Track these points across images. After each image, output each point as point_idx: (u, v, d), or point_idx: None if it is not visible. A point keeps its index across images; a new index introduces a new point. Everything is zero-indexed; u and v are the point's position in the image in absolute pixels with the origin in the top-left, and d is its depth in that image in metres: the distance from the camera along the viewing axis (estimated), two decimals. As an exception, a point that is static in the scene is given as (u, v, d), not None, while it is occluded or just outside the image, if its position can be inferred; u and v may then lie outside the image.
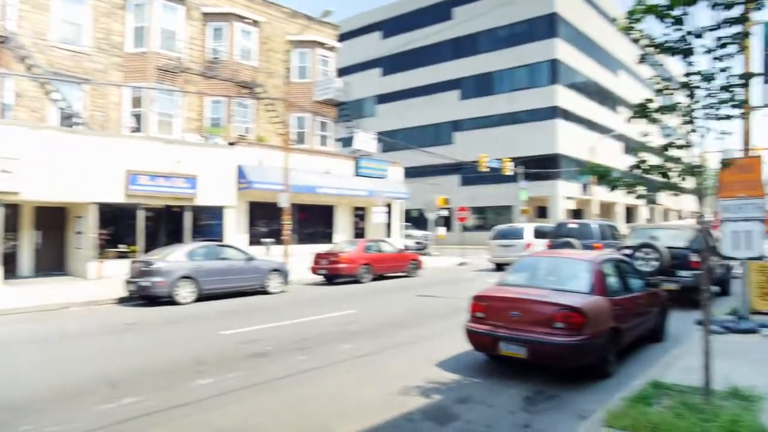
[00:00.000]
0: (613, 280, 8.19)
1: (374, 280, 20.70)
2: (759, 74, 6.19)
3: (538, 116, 48.23)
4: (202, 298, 15.31)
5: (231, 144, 24.18)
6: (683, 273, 13.07)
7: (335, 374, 7.97)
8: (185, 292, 14.91)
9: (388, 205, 30.27)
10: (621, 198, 51.81)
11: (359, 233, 29.62)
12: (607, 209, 54.79)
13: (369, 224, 29.79)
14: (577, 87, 51.02)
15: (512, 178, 44.83)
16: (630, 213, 61.38)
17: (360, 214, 29.99)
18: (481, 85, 51.67)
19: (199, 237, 22.02)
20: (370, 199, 27.97)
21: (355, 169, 29.15)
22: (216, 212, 23.39)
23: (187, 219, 22.08)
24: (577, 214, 50.00)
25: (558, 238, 21.56)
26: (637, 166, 6.00)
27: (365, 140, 30.16)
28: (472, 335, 7.87)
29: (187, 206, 22.08)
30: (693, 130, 5.65)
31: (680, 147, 5.80)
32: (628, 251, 13.50)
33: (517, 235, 25.11)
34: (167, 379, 7.67)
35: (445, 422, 6.05)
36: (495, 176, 44.80)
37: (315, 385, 7.44)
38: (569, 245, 20.15)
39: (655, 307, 9.39)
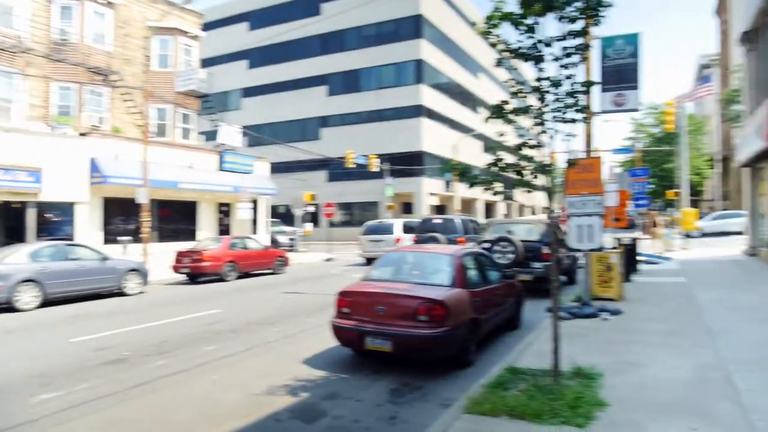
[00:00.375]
0: (473, 273, 8.61)
1: (240, 278, 20.19)
2: (597, 83, 6.76)
3: (403, 114, 49.55)
4: (48, 303, 14.06)
5: (82, 135, 22.39)
6: (536, 264, 14.06)
7: (198, 377, 7.66)
8: (27, 297, 13.62)
9: (254, 201, 29.64)
10: (481, 194, 54.74)
11: (224, 230, 28.73)
12: (468, 205, 57.60)
13: (234, 221, 28.99)
14: (440, 87, 53.05)
15: (378, 175, 45.76)
16: (489, 208, 64.99)
17: (225, 211, 29.09)
18: (348, 82, 52.11)
19: (45, 236, 20.20)
20: (235, 194, 27.21)
21: (220, 163, 28.21)
22: (66, 209, 21.56)
23: (31, 216, 20.15)
24: (440, 209, 52.08)
25: (424, 233, 22.29)
26: (494, 164, 6.34)
27: (230, 134, 29.28)
28: (339, 331, 7.91)
29: (31, 202, 20.15)
30: (543, 131, 6.07)
31: (532, 147, 6.21)
32: (486, 245, 14.29)
33: (386, 230, 25.69)
34: (2, 398, 6.94)
35: (313, 420, 6.03)
36: (362, 172, 45.45)
37: (176, 391, 7.10)
38: (434, 240, 20.90)
39: (511, 297, 10.01)
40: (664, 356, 7.60)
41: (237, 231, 28.43)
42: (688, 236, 29.91)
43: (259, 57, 56.21)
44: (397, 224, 26.04)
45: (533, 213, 75.92)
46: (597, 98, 13.48)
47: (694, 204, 54.08)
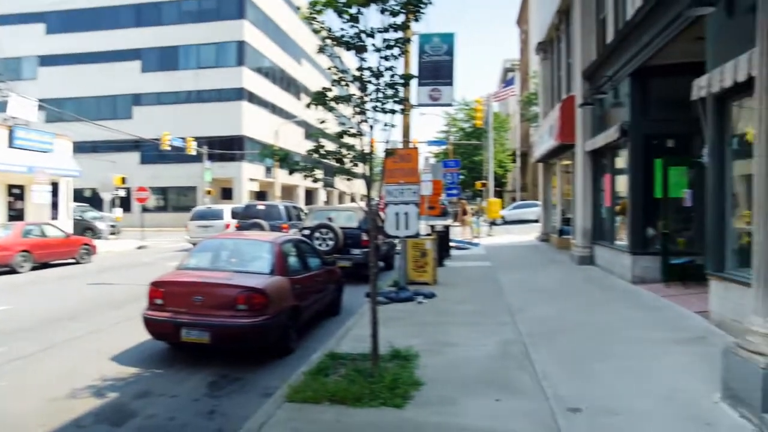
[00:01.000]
0: (293, 260, 8.57)
1: (36, 268, 18.07)
2: (415, 76, 7.03)
3: (224, 96, 47.76)
4: None
5: None
6: (356, 251, 14.40)
7: (-20, 384, 6.72)
8: None
9: (54, 184, 26.67)
10: (302, 181, 54.78)
11: (17, 215, 25.49)
12: (289, 192, 57.35)
13: (29, 205, 25.86)
14: (263, 71, 51.99)
15: (197, 158, 43.75)
16: (310, 195, 65.32)
17: (17, 193, 25.80)
18: (165, 59, 48.85)
19: None
20: (29, 175, 24.25)
21: (10, 139, 24.90)
22: None
23: None
24: (261, 196, 51.19)
25: (247, 219, 21.87)
26: (315, 151, 6.32)
27: (23, 106, 25.97)
28: (151, 324, 7.42)
29: None
30: (364, 121, 6.18)
31: (353, 135, 6.29)
32: (307, 231, 14.33)
33: (216, 216, 24.82)
34: None
35: (122, 422, 5.58)
36: (179, 156, 43.12)
37: (-48, 401, 6.16)
38: (258, 226, 20.57)
39: (331, 283, 10.14)
40: (472, 335, 8.20)
41: (33, 216, 25.38)
42: (493, 224, 32.70)
43: (60, 22, 50.35)
44: (227, 210, 25.17)
45: (353, 200, 77.82)
46: (415, 92, 14.13)
47: (499, 195, 59.31)
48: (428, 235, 16.34)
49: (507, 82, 42.20)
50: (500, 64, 73.87)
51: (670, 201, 11.98)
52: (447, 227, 19.95)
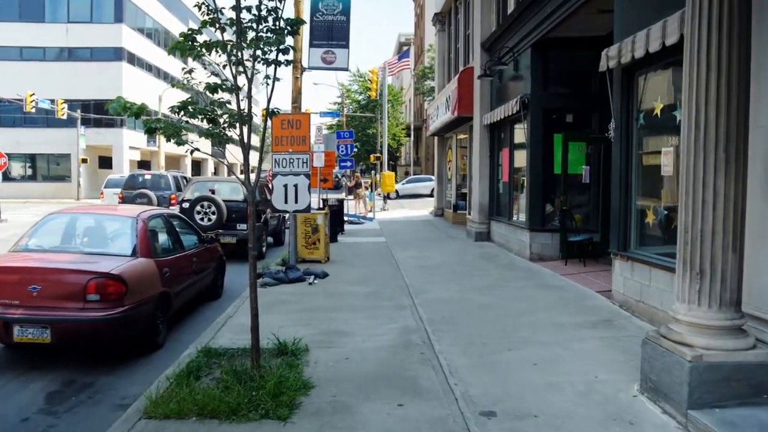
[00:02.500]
0: (162, 239, 7.34)
1: None
2: (304, 22, 5.94)
3: (101, 56, 43.52)
4: None
5: None
6: (242, 226, 13.15)
7: None
8: None
9: None
10: (199, 154, 51.42)
11: None
12: (175, 162, 53.95)
13: None
14: (146, 32, 48.06)
15: (70, 123, 39.79)
16: (198, 167, 61.94)
17: None
18: (28, 9, 43.54)
19: None
20: None
21: None
22: None
23: None
24: (144, 165, 47.66)
25: (131, 189, 19.94)
26: (183, 108, 5.14)
27: None
28: (-27, 321, 5.95)
29: None
30: (242, 72, 5.08)
31: (228, 89, 5.18)
32: (186, 205, 12.91)
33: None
34: None
35: None
36: (49, 119, 39.09)
37: None
38: (145, 197, 18.78)
39: (211, 263, 8.96)
40: (369, 322, 7.38)
41: None
42: (387, 198, 32.28)
43: None
44: (171, 177, 22.04)
45: (241, 172, 74.81)
46: (306, 54, 12.98)
47: (393, 169, 59.22)
48: (320, 209, 15.40)
49: (402, 55, 41.62)
50: (395, 38, 73.44)
51: (569, 177, 11.77)
52: (341, 201, 19.06)
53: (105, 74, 43.07)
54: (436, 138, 25.02)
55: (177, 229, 7.95)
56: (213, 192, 12.94)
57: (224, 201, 13.01)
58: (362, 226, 20.92)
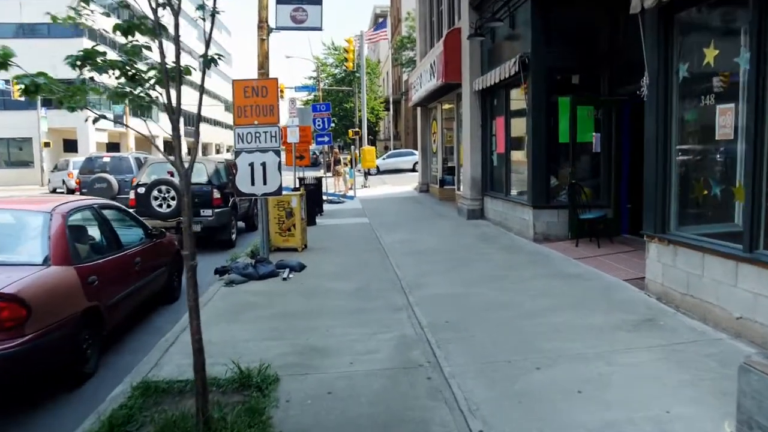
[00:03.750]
0: (89, 237, 5.77)
1: None
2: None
3: (60, 33, 40.77)
4: None
5: None
6: (206, 212, 11.59)
7: None
8: None
9: None
10: (161, 131, 49.28)
11: None
12: (146, 144, 51.58)
13: None
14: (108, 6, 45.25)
15: (31, 105, 37.36)
16: (170, 147, 59.45)
17: None
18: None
19: None
20: None
21: None
22: None
23: None
24: (113, 148, 45.30)
25: (89, 174, 18.39)
26: (89, 57, 3.59)
27: None
28: None
29: None
30: (165, 4, 3.52)
31: (150, 33, 3.61)
32: (142, 190, 11.29)
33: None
34: None
35: None
36: (6, 101, 36.64)
37: None
38: (104, 181, 17.22)
39: (162, 260, 7.41)
40: (357, 332, 5.92)
41: None
42: (368, 173, 30.75)
43: None
44: (133, 160, 20.21)
45: (217, 152, 72.59)
46: (274, 13, 11.29)
47: (372, 143, 57.48)
48: (295, 189, 13.88)
49: (378, 25, 39.74)
50: (370, 11, 70.94)
51: (577, 146, 10.37)
52: (319, 179, 17.48)
53: (65, 52, 40.38)
54: (419, 109, 23.44)
55: (112, 223, 6.36)
56: (172, 175, 11.29)
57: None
58: (343, 206, 19.41)
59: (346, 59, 33.74)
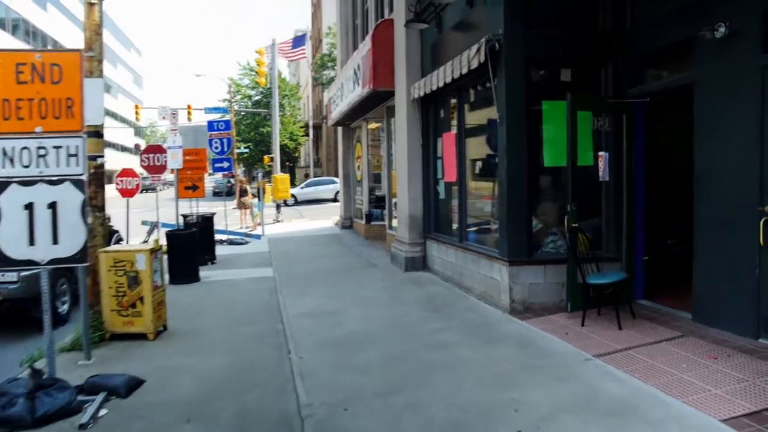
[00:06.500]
0: None
1: None
2: None
3: None
4: None
5: None
6: (7, 276, 7.46)
7: None
8: None
9: None
10: None
11: None
12: None
13: None
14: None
15: None
16: None
17: None
18: None
19: None
20: None
21: None
22: None
23: None
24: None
25: None
26: None
27: None
28: None
29: None
30: None
31: None
32: None
33: None
34: None
35: None
36: None
37: None
38: None
39: None
40: None
41: None
42: (283, 204, 26.90)
43: None
44: None
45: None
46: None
47: (291, 171, 53.32)
48: (145, 241, 9.95)
49: (297, 40, 36.06)
50: (291, 34, 67.40)
51: (575, 172, 7.00)
52: (211, 215, 13.44)
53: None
54: (340, 130, 19.84)
55: None
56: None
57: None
58: (246, 248, 15.42)
59: (258, 73, 29.80)
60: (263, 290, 9.61)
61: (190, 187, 13.96)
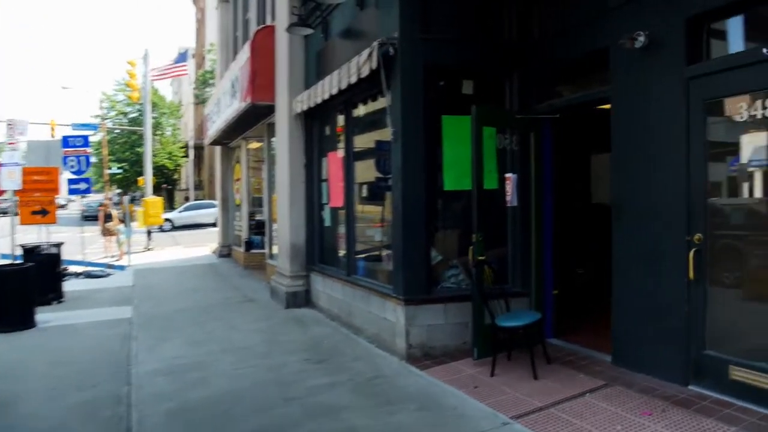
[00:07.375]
0: None
1: None
2: None
3: None
4: None
5: None
6: None
7: None
8: None
9: None
10: None
11: None
12: None
13: None
14: None
15: None
16: None
17: None
18: None
19: None
20: None
21: None
22: None
23: None
24: None
25: None
26: None
27: None
28: None
29: None
30: None
31: None
32: None
33: None
34: None
35: None
36: None
37: None
38: None
39: None
40: None
41: None
42: (160, 230, 24.63)
43: None
44: None
45: None
46: None
47: (170, 193, 50.03)
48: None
49: (179, 57, 33.84)
50: (175, 51, 64.14)
51: (480, 196, 6.14)
52: (57, 244, 11.41)
53: None
54: (218, 150, 18.25)
55: None
56: None
57: None
58: (105, 282, 13.41)
59: (130, 87, 27.43)
60: (114, 337, 7.96)
61: (38, 211, 11.98)
